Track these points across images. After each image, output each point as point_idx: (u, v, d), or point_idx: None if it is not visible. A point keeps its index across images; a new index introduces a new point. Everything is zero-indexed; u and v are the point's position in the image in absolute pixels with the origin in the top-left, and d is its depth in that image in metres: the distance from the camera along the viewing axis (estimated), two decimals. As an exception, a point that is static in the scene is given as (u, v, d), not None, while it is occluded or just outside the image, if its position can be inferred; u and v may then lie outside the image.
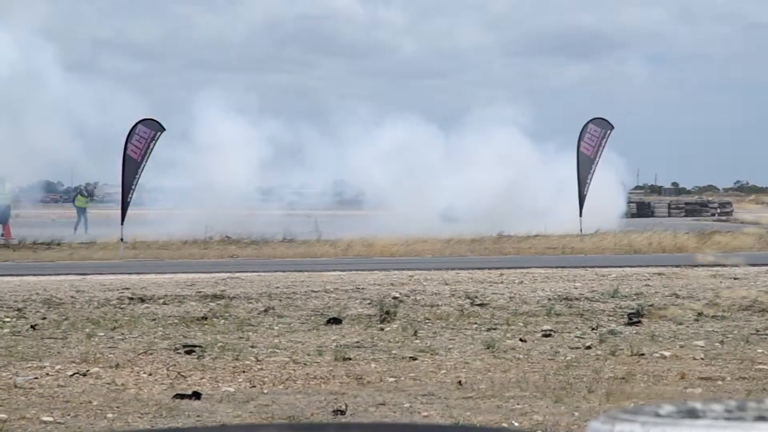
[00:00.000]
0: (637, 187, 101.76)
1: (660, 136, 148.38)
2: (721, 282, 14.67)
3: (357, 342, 9.68)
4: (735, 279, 15.14)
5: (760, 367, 8.22)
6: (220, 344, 9.42)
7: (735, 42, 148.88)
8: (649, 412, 2.05)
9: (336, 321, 10.94)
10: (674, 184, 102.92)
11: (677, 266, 17.00)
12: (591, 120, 29.75)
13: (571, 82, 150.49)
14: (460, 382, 7.81)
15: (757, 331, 10.09)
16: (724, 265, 17.12)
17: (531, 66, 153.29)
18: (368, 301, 12.39)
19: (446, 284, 14.36)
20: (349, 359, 8.75)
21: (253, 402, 7.15)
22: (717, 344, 9.36)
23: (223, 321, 11.03)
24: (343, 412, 6.83)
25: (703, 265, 17.19)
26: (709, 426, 1.89)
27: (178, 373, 8.08)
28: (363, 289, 13.68)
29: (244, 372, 8.23)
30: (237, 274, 15.95)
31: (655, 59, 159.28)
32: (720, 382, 7.69)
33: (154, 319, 11.05)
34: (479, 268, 17.11)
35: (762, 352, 8.88)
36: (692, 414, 2.05)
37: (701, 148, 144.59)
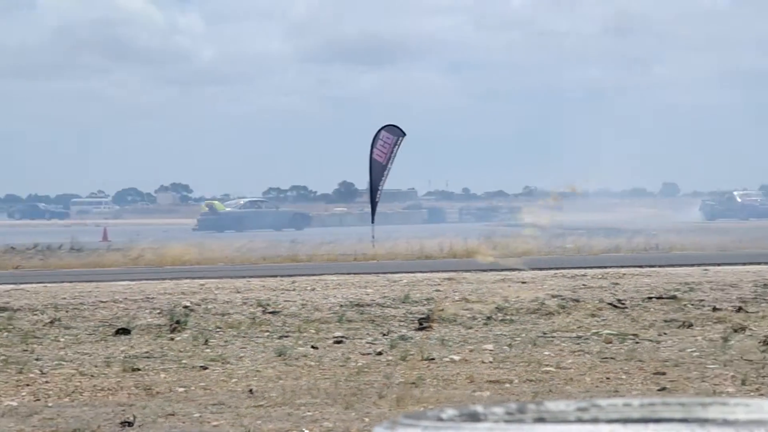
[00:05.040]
0: (428, 193, 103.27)
1: (452, 142, 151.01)
2: (509, 286, 14.95)
3: (146, 352, 9.51)
4: (523, 283, 15.45)
5: (547, 369, 8.38)
6: (2, 357, 9.13)
7: (527, 50, 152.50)
8: (431, 416, 2.04)
9: (125, 331, 10.73)
10: (465, 189, 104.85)
11: (467, 271, 17.24)
12: (383, 127, 29.98)
13: (367, 89, 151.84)
14: (251, 390, 7.75)
15: (544, 333, 10.30)
16: (512, 269, 17.47)
17: (327, 73, 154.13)
18: (158, 311, 12.19)
19: (238, 292, 14.25)
20: (138, 370, 8.59)
21: (37, 416, 6.95)
22: (505, 347, 9.51)
23: (6, 334, 10.69)
24: (131, 424, 6.70)
25: (492, 270, 17.49)
26: (489, 429, 1.89)
27: (-42, 388, 7.79)
28: (153, 298, 13.46)
29: (28, 385, 7.99)
30: (22, 286, 15.49)
31: (449, 67, 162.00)
32: (508, 385, 7.81)
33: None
34: (271, 276, 17.04)
35: (548, 354, 9.06)
36: (474, 417, 2.04)
37: (491, 154, 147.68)
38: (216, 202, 59.14)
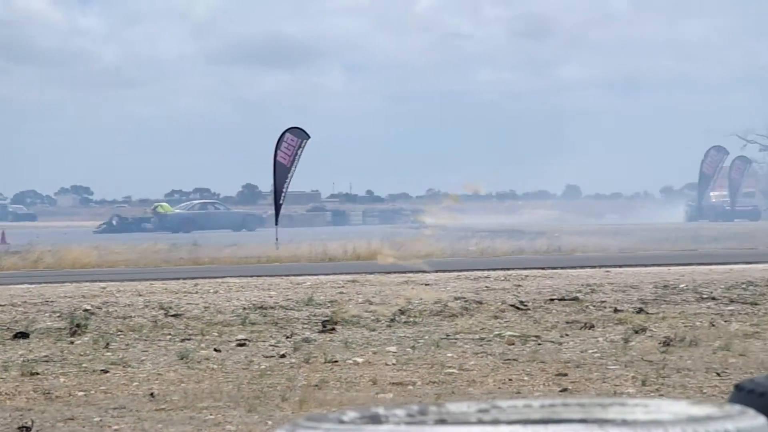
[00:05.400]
0: (332, 195, 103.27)
1: (356, 144, 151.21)
2: (412, 288, 14.98)
3: (46, 356, 9.37)
4: (426, 285, 15.49)
5: (450, 370, 8.40)
6: None
7: (432, 52, 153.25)
8: (332, 418, 2.02)
9: (23, 335, 10.56)
10: (369, 192, 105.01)
11: (370, 273, 17.26)
12: (288, 129, 29.93)
13: (271, 91, 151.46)
14: (152, 394, 7.67)
15: (447, 335, 10.33)
16: (415, 271, 17.52)
17: (231, 75, 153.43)
18: (58, 314, 12.02)
19: (140, 295, 14.10)
20: (37, 374, 8.46)
21: (-68, 422, 6.80)
22: (408, 349, 9.52)
23: None
24: (28, 429, 6.59)
25: (395, 272, 17.53)
26: (390, 431, 1.88)
27: None
28: (53, 301, 13.27)
29: None
30: None
31: (354, 69, 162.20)
32: (411, 387, 7.82)
33: None
34: (174, 279, 16.90)
35: (451, 356, 9.09)
36: (375, 419, 2.03)
37: (395, 156, 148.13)
38: (164, 204, 59.89)
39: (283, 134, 29.73)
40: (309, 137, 30.17)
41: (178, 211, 57.06)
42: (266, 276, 17.62)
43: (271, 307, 12.65)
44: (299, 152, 29.76)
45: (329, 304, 12.87)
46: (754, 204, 64.89)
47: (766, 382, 2.61)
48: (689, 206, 65.96)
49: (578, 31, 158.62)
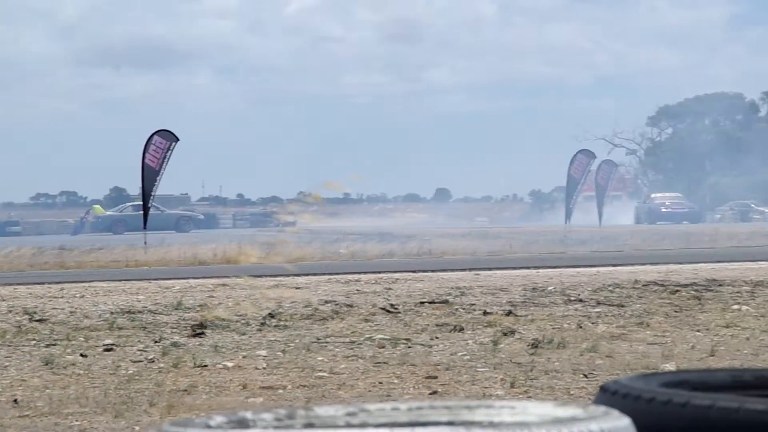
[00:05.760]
0: (202, 199, 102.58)
1: (226, 147, 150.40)
2: (283, 292, 14.93)
3: None
4: (297, 288, 15.46)
5: (320, 374, 8.38)
6: None
7: (303, 55, 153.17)
8: (199, 423, 1.99)
9: None
10: (239, 195, 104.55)
11: (241, 277, 17.17)
12: (156, 132, 29.64)
13: (140, 93, 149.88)
14: (15, 400, 7.51)
15: (318, 339, 10.31)
16: (286, 275, 17.48)
17: (99, 77, 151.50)
18: None
19: (3, 300, 13.83)
20: None
21: None
22: (279, 353, 9.48)
23: None
24: None
25: (266, 275, 17.47)
26: (257, 436, 1.86)
27: None
28: None
29: None
30: None
31: (224, 71, 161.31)
32: (281, 391, 7.78)
33: None
34: (39, 283, 16.62)
35: (322, 360, 9.07)
36: (243, 424, 2.01)
37: (265, 159, 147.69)
38: (96, 206, 63.25)
39: (151, 137, 29.44)
40: (178, 139, 29.92)
41: (110, 213, 60.01)
42: (135, 280, 17.43)
43: (140, 312, 12.50)
44: (168, 155, 29.49)
45: (199, 308, 12.76)
46: (691, 206, 65.47)
47: (631, 383, 2.65)
48: (637, 208, 66.53)
49: (448, 35, 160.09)
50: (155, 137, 29.46)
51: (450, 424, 1.88)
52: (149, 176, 29.10)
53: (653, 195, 68.03)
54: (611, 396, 2.58)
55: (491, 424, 1.81)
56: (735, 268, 19.16)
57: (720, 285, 15.15)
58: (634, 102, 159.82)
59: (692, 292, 14.08)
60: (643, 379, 2.73)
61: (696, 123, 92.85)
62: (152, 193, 29.32)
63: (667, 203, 64.73)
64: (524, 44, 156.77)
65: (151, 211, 57.52)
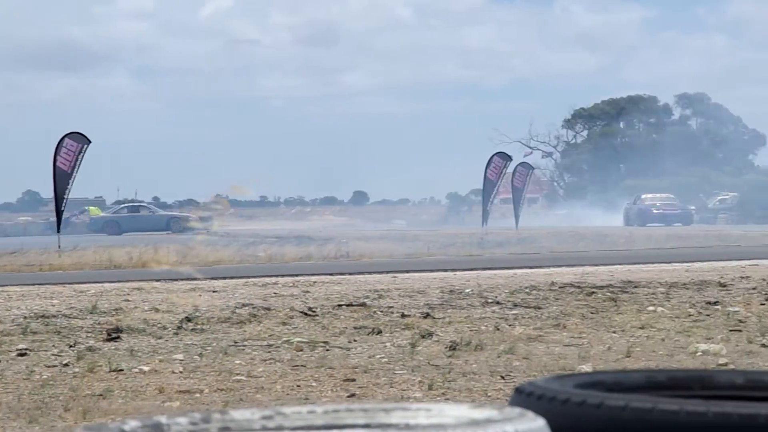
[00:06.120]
0: (117, 201, 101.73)
1: (141, 149, 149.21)
2: (200, 295, 14.86)
3: None
4: (214, 292, 15.39)
5: (238, 378, 8.35)
6: None
7: (219, 57, 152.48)
8: (114, 428, 1.97)
9: None
10: (155, 198, 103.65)
11: (157, 280, 17.06)
12: (67, 134, 29.30)
13: (56, 95, 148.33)
14: (-74, 407, 7.38)
15: (236, 342, 10.26)
16: (203, 278, 17.38)
17: (14, 79, 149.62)
18: None
19: None
20: None
21: None
22: (196, 357, 9.42)
23: None
24: None
25: (183, 279, 17.36)
26: (172, 440, 1.84)
27: None
28: None
29: None
30: None
31: (140, 73, 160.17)
32: (198, 395, 7.73)
33: None
34: (-49, 287, 16.35)
35: (239, 363, 9.03)
36: (157, 428, 1.99)
37: (181, 162, 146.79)
38: (91, 207, 65.20)
39: (62, 139, 29.10)
40: (90, 142, 29.61)
41: (104, 214, 62.20)
42: (49, 284, 17.23)
43: (54, 316, 12.36)
44: (80, 157, 29.17)
45: (114, 312, 12.65)
46: (683, 207, 61.74)
47: (546, 384, 2.67)
48: (626, 210, 63.81)
49: (364, 38, 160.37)
50: (66, 140, 29.12)
51: (366, 426, 1.88)
52: (61, 179, 28.77)
53: (643, 195, 62.98)
54: (526, 397, 2.60)
55: (407, 427, 1.81)
56: (650, 270, 19.40)
57: (635, 287, 15.33)
58: (550, 105, 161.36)
59: (608, 293, 14.22)
60: (558, 381, 2.75)
61: (610, 125, 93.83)
62: (65, 197, 28.99)
63: (658, 204, 61.28)
64: (440, 47, 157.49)
65: (143, 212, 59.37)
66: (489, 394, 7.51)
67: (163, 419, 1.97)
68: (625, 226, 57.24)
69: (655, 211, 59.96)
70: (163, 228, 56.88)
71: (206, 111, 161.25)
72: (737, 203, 69.36)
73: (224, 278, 18.00)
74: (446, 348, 9.55)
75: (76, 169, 29.02)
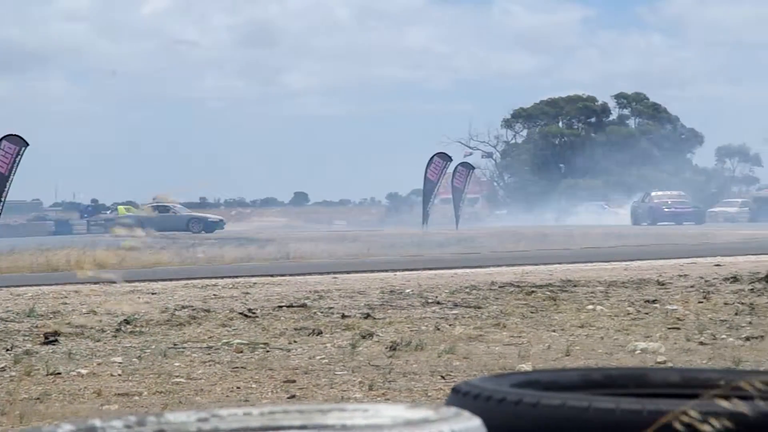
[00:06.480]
0: (55, 204, 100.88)
1: (80, 152, 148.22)
2: (139, 297, 14.77)
3: None
4: (153, 294, 15.30)
5: (177, 380, 8.30)
6: None
7: (157, 58, 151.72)
8: (48, 433, 1.95)
9: None
10: (94, 200, 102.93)
11: (95, 283, 16.92)
12: (4, 137, 29.05)
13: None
14: None
15: (175, 344, 10.21)
16: (142, 281, 17.29)
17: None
18: None
19: None
20: None
21: None
22: (135, 359, 9.36)
23: None
24: None
25: (122, 281, 17.24)
26: (106, 444, 1.83)
27: None
28: None
29: None
30: None
31: (78, 75, 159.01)
32: (137, 398, 7.68)
33: None
34: None
35: (179, 366, 8.99)
36: (92, 432, 1.97)
37: (120, 164, 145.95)
38: (120, 206, 66.33)
39: (-1, 141, 28.88)
40: (27, 144, 29.38)
41: (130, 214, 62.63)
42: (-15, 287, 17.05)
43: (-10, 319, 12.23)
44: (17, 160, 28.94)
45: (52, 315, 12.54)
46: (695, 205, 60.16)
47: (482, 384, 2.67)
48: (634, 207, 61.56)
49: (303, 39, 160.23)
50: (4, 142, 28.88)
51: (302, 428, 1.87)
52: (-2, 182, 28.55)
53: (653, 193, 60.94)
54: (463, 397, 2.60)
55: (344, 428, 1.81)
56: (589, 269, 19.53)
57: (575, 285, 15.43)
58: (490, 105, 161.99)
59: (548, 292, 14.30)
60: (495, 380, 2.75)
61: (549, 125, 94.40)
62: (2, 199, 28.74)
63: (669, 202, 59.35)
64: (381, 47, 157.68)
65: (163, 213, 59.49)
66: (429, 394, 7.52)
67: (97, 422, 1.96)
68: (633, 225, 55.82)
69: (666, 210, 58.29)
70: (183, 228, 56.92)
71: (145, 112, 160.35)
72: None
73: (164, 280, 17.92)
74: (387, 348, 9.56)
75: (13, 172, 28.78)
